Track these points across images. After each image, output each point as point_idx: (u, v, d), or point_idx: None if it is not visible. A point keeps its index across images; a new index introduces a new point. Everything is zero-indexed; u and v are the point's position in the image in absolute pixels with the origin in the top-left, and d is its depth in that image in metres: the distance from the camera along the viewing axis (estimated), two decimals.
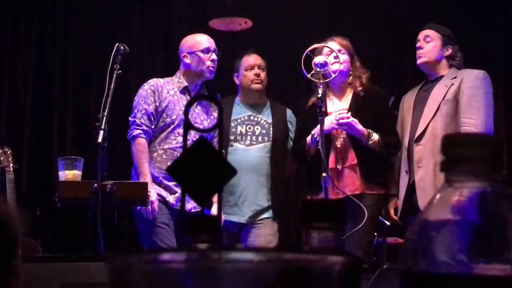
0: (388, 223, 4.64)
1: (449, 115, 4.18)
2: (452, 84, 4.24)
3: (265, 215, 4.59)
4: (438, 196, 0.78)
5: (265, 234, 4.56)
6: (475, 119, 4.13)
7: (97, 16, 6.37)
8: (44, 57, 6.30)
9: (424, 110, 4.26)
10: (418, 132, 4.22)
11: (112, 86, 3.91)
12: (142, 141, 4.30)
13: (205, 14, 6.03)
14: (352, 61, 4.42)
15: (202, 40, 4.49)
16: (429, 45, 4.37)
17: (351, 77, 4.41)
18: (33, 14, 6.34)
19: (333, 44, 4.39)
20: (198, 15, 6.26)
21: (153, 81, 4.45)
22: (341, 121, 4.19)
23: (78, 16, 6.35)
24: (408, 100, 4.45)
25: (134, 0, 6.46)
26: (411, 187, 4.22)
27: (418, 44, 4.41)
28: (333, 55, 4.31)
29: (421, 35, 4.43)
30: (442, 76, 4.35)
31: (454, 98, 4.20)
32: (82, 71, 6.29)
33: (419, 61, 4.40)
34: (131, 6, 6.44)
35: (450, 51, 4.38)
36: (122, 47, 4.07)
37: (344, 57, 4.38)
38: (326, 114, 4.08)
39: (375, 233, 4.65)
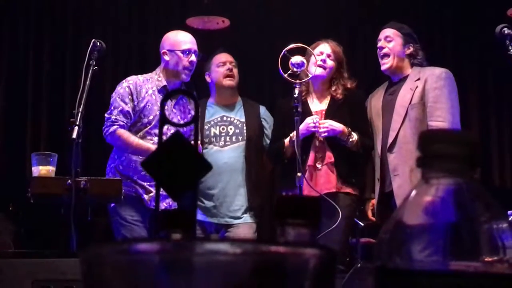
0: (362, 224, 4.65)
1: (418, 120, 4.18)
2: (417, 87, 4.23)
3: (244, 216, 4.57)
4: (413, 193, 0.78)
5: (244, 233, 4.51)
6: (442, 121, 4.14)
7: (72, 12, 6.32)
8: (19, 52, 6.24)
9: (392, 117, 4.25)
10: (390, 140, 4.21)
11: (87, 82, 3.88)
12: (122, 130, 4.23)
13: (183, 12, 6.02)
14: (338, 69, 4.40)
15: (184, 40, 4.42)
16: (390, 44, 4.35)
17: (333, 83, 4.39)
18: (7, 10, 6.27)
19: (326, 47, 4.39)
20: (175, 13, 6.24)
21: (132, 79, 4.37)
22: (320, 130, 4.19)
23: (53, 11, 6.29)
24: (376, 104, 4.41)
25: None
26: (387, 195, 4.19)
27: (379, 44, 4.37)
28: (320, 58, 4.30)
29: (381, 35, 4.40)
30: (405, 77, 4.33)
31: (421, 101, 4.19)
32: (57, 66, 6.23)
33: (384, 67, 4.35)
34: (107, 1, 6.40)
35: (411, 49, 4.34)
36: (98, 43, 4.05)
37: (330, 62, 4.37)
38: (301, 114, 4.07)
39: (350, 234, 4.66)
